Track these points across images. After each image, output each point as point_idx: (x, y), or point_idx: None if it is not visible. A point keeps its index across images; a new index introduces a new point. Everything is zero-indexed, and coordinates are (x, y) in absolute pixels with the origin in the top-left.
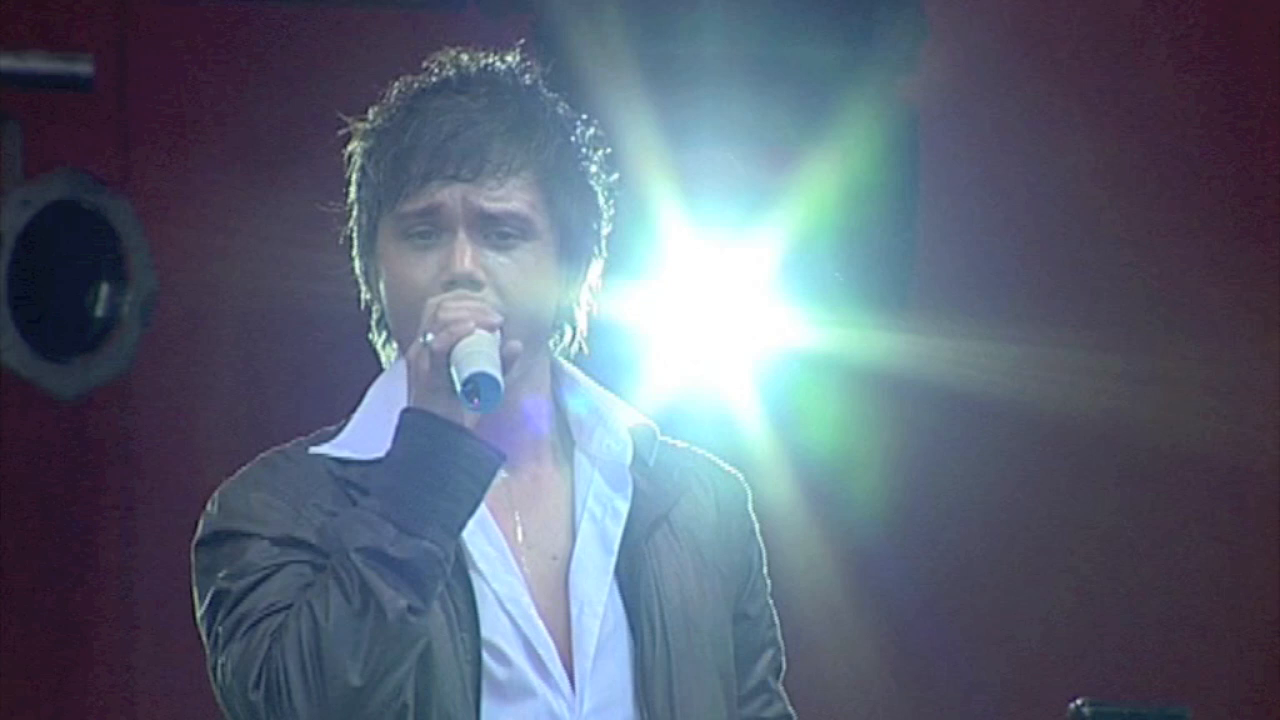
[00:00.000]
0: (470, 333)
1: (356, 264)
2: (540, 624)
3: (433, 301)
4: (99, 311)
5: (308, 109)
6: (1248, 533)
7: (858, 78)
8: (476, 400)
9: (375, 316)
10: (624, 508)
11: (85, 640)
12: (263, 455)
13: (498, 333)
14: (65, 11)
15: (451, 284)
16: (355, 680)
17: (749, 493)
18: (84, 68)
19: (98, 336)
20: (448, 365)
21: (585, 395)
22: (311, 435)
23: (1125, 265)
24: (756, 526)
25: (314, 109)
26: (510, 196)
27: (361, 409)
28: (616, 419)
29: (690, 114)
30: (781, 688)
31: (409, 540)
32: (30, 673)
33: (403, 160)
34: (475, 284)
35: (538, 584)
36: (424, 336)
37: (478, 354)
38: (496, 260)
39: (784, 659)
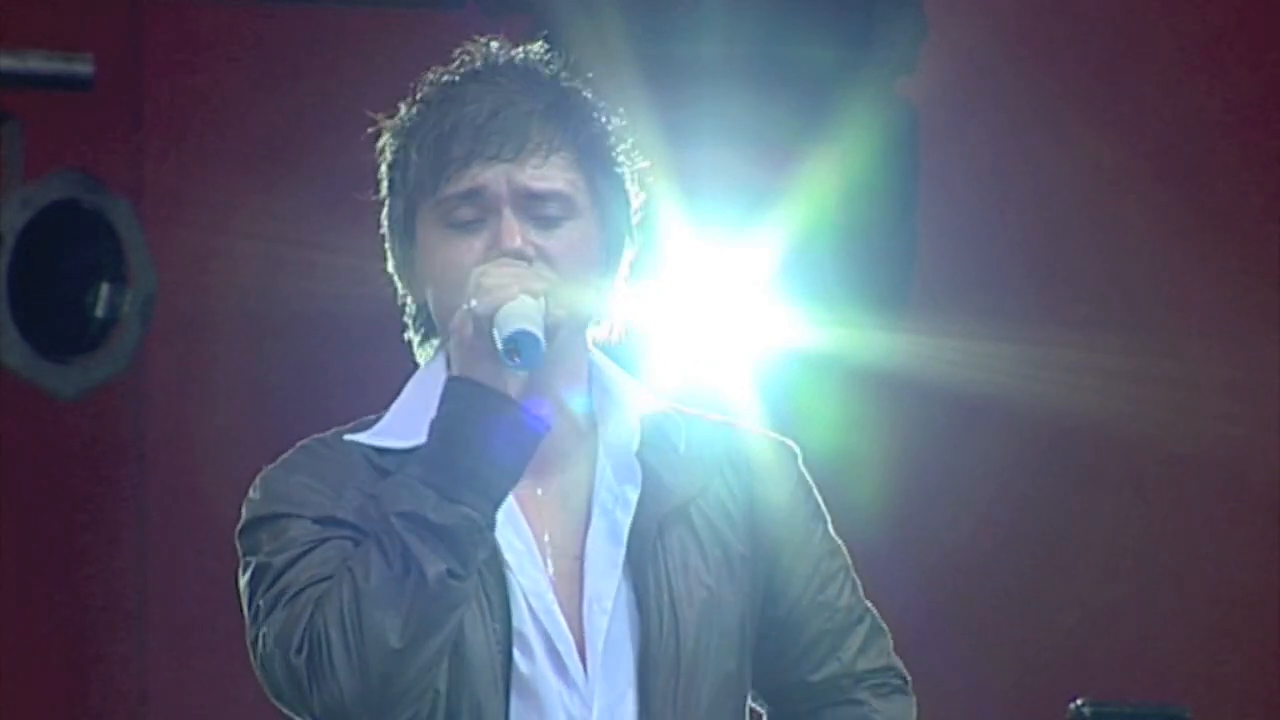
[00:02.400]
0: (514, 297)
1: (390, 260)
2: (561, 620)
3: (476, 270)
4: (99, 311)
5: (308, 108)
6: (1249, 533)
7: (858, 78)
8: (517, 358)
9: (411, 312)
10: (634, 496)
11: (96, 641)
12: (302, 442)
13: (542, 299)
14: (76, 12)
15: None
16: (395, 642)
17: (796, 456)
18: (84, 68)
19: (98, 336)
20: (490, 330)
21: (605, 384)
22: (349, 424)
23: (1126, 265)
24: (810, 488)
25: (315, 108)
26: (553, 175)
27: (401, 399)
28: (629, 405)
29: (690, 114)
30: (855, 654)
31: (449, 506)
32: (41, 674)
33: (443, 144)
34: (524, 259)
35: (560, 582)
36: (468, 303)
37: (520, 314)
38: (543, 238)
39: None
